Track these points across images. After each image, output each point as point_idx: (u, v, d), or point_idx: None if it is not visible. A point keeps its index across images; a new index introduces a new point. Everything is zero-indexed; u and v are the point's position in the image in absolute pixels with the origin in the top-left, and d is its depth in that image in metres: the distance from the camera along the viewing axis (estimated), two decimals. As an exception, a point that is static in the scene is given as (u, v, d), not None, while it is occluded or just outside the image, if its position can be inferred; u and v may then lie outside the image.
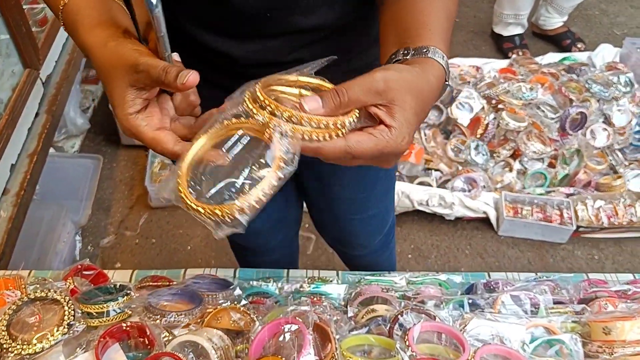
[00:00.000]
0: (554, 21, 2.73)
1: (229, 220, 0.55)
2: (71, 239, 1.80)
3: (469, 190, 1.99)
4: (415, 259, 1.94)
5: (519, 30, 2.72)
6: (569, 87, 2.19)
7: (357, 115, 0.57)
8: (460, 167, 2.07)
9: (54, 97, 1.67)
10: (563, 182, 2.04)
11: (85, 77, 2.49)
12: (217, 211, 0.55)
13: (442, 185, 2.04)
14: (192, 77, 0.55)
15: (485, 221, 2.03)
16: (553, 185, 2.04)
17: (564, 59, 2.54)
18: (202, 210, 0.57)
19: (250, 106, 0.57)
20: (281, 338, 0.86)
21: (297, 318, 0.87)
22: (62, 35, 1.83)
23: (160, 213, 2.07)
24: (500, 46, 2.74)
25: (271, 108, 0.56)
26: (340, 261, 1.91)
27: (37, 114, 1.62)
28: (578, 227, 1.93)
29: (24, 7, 1.61)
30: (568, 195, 1.99)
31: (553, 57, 2.56)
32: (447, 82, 0.62)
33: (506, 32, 2.72)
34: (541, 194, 2.00)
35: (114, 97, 0.59)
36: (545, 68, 2.35)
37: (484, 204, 1.98)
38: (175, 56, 0.63)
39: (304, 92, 0.62)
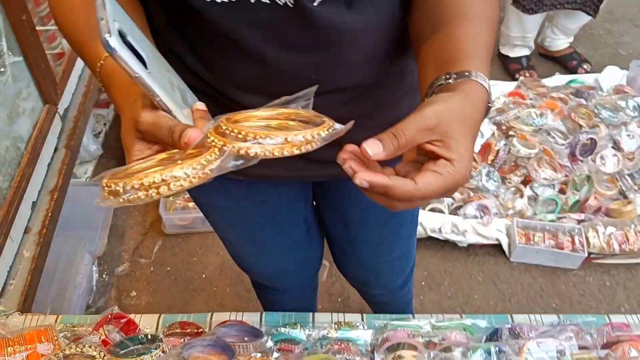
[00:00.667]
0: (560, 42, 2.75)
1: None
2: (89, 270, 1.81)
3: (481, 217, 2.01)
4: (429, 285, 1.95)
5: (525, 52, 2.74)
6: (578, 112, 2.21)
7: (326, 130, 0.56)
8: (471, 194, 2.08)
9: (72, 132, 1.68)
10: (574, 207, 2.06)
11: (96, 101, 2.50)
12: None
13: (454, 211, 2.06)
14: (193, 134, 0.53)
15: (497, 247, 2.04)
16: (564, 211, 2.06)
17: (571, 81, 2.56)
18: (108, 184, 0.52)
19: (212, 137, 0.54)
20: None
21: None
22: (77, 67, 1.84)
23: (174, 240, 2.08)
24: (507, 67, 2.77)
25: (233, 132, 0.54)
26: (354, 289, 1.93)
27: (56, 149, 1.63)
28: (589, 253, 1.95)
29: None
30: (579, 222, 2.01)
31: (560, 79, 2.57)
32: (490, 104, 0.61)
33: (513, 53, 2.74)
34: (552, 220, 2.01)
35: (125, 150, 0.59)
36: (554, 92, 2.37)
37: (496, 230, 1.99)
38: (200, 105, 0.61)
39: (291, 123, 0.60)
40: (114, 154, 2.40)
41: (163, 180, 0.51)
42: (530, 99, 2.36)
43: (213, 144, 0.53)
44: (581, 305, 1.89)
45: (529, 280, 1.97)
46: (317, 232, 1.27)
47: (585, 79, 2.57)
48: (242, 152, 0.53)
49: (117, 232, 2.10)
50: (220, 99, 0.79)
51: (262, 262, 1.22)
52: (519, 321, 1.16)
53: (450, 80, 0.59)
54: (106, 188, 0.52)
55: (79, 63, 1.86)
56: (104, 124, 2.46)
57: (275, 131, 0.54)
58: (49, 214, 1.47)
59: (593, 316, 1.15)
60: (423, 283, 1.96)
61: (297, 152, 0.54)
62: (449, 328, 1.16)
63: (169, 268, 2.00)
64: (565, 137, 2.18)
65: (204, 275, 1.98)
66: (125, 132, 0.58)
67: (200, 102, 0.62)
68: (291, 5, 0.64)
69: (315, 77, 0.74)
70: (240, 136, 0.53)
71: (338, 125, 0.58)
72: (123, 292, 1.92)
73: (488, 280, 1.97)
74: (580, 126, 2.17)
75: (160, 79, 0.56)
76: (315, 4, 0.64)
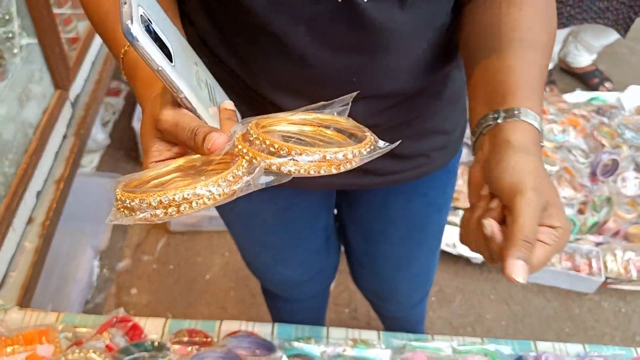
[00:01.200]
0: (583, 59, 2.69)
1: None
2: (90, 265, 1.74)
3: (497, 233, 1.95)
4: (439, 301, 1.89)
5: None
6: (600, 131, 2.16)
7: (368, 147, 0.51)
8: (487, 208, 2.02)
9: (83, 120, 1.62)
10: (592, 229, 2.00)
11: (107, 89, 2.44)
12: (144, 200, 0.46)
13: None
14: (218, 140, 0.47)
15: (510, 265, 1.98)
16: (582, 232, 2.00)
17: (593, 98, 2.50)
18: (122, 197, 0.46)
19: (240, 146, 0.49)
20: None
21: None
22: (91, 53, 1.78)
23: (179, 238, 2.02)
24: None
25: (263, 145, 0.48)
26: (361, 299, 1.86)
27: (64, 137, 1.57)
28: (606, 277, 1.89)
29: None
30: (597, 244, 1.95)
31: (581, 95, 2.51)
32: (542, 144, 0.57)
33: None
34: (570, 241, 1.95)
35: (143, 149, 0.53)
36: (575, 109, 2.31)
37: (511, 248, 1.93)
38: (229, 104, 0.55)
39: (327, 131, 0.55)
40: (122, 145, 2.33)
41: (184, 198, 0.45)
42: (552, 114, 2.30)
43: (241, 154, 0.48)
44: (595, 332, 1.83)
45: (543, 302, 1.91)
46: (336, 241, 1.21)
47: (606, 97, 2.51)
48: (273, 167, 0.48)
49: (120, 226, 2.03)
50: (254, 99, 0.73)
51: (278, 272, 1.16)
52: (542, 349, 1.11)
53: (499, 120, 0.56)
54: (119, 202, 0.47)
55: (93, 49, 1.80)
56: (113, 113, 2.39)
57: (312, 147, 0.49)
58: (54, 205, 1.41)
59: (621, 349, 1.10)
60: (434, 298, 1.90)
61: (334, 171, 0.49)
62: (470, 352, 1.11)
63: (172, 266, 1.93)
64: (587, 155, 2.12)
65: (207, 277, 1.92)
66: (144, 130, 0.52)
67: (229, 101, 0.56)
68: (339, 0, 0.58)
69: (357, 80, 0.69)
70: (272, 149, 0.48)
71: (382, 143, 0.53)
72: (123, 288, 1.85)
73: (501, 300, 1.91)
74: (603, 145, 2.11)
75: (186, 74, 0.50)
76: (366, 0, 0.58)
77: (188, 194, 0.45)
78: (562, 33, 2.52)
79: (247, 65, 0.70)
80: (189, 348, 1.03)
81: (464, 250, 1.92)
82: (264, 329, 1.11)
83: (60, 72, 1.53)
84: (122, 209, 0.46)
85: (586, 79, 2.72)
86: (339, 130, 0.55)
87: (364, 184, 0.90)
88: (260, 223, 1.03)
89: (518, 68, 0.59)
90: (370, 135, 0.53)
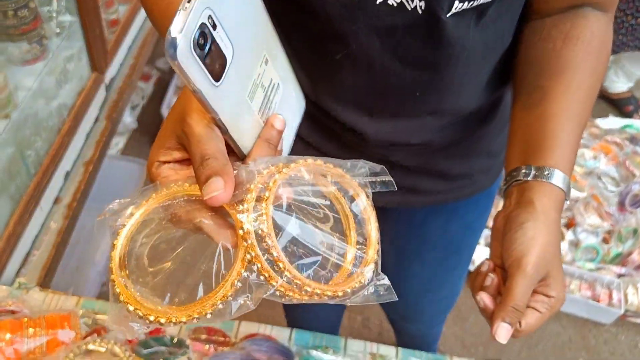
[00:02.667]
0: (620, 85, 2.65)
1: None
2: (109, 248, 1.75)
3: (518, 255, 1.92)
4: (453, 318, 1.87)
5: None
6: (633, 160, 2.12)
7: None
8: (510, 228, 2.00)
9: (115, 103, 1.62)
10: (615, 260, 1.97)
11: (138, 73, 2.44)
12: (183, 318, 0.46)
13: (489, 245, 1.98)
14: (220, 197, 0.42)
15: (528, 288, 1.95)
16: (604, 261, 1.97)
17: (626, 126, 2.45)
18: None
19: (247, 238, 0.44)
20: None
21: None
22: (129, 37, 1.78)
23: (198, 229, 2.01)
24: None
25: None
26: (375, 308, 1.85)
27: (96, 120, 1.57)
28: (626, 310, 1.86)
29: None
30: (619, 275, 1.92)
31: (615, 122, 2.47)
32: (567, 200, 0.59)
33: None
34: (591, 269, 1.92)
35: (159, 135, 0.49)
36: (608, 136, 2.27)
37: (531, 271, 1.90)
38: (278, 123, 0.50)
39: (345, 208, 0.52)
40: (148, 130, 2.33)
41: (168, 319, 0.45)
42: (584, 139, 2.26)
43: (242, 245, 0.44)
44: (609, 364, 1.80)
45: (558, 329, 1.88)
46: None
47: (640, 126, 2.47)
48: (261, 278, 0.45)
49: (141, 211, 2.02)
50: (314, 111, 0.72)
51: None
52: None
53: (529, 178, 0.58)
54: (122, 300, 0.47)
55: (131, 33, 1.80)
56: (142, 98, 2.39)
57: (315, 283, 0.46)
58: (81, 187, 1.41)
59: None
60: (448, 315, 1.88)
61: (313, 301, 0.47)
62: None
63: (188, 258, 1.93)
64: (617, 184, 2.09)
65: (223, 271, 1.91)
66: (168, 120, 0.49)
67: (279, 118, 0.50)
68: (420, 12, 0.57)
69: (420, 95, 0.68)
70: (270, 257, 0.44)
71: (382, 281, 0.50)
72: (139, 274, 1.85)
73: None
74: (634, 175, 2.08)
75: (234, 89, 0.45)
76: (448, 15, 0.57)
77: (176, 320, 0.45)
78: None
79: (308, 73, 0.69)
80: (207, 346, 1.03)
81: (483, 269, 1.90)
82: (282, 334, 1.10)
83: (98, 55, 1.52)
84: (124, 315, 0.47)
85: (621, 106, 2.67)
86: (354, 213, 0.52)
87: (407, 202, 0.88)
88: None
89: (558, 119, 0.60)
90: (370, 265, 0.50)
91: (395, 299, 0.48)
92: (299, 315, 1.35)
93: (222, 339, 1.07)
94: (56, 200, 1.37)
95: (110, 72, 1.65)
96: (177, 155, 0.48)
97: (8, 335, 0.91)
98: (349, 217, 0.52)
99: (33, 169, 1.27)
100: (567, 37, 0.63)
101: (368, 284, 0.49)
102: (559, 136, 0.59)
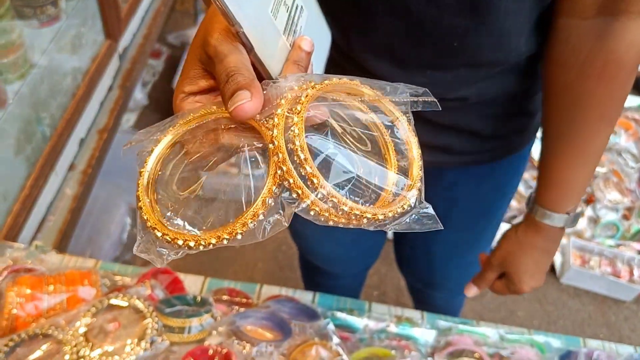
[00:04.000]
0: None
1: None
2: (123, 220, 1.72)
3: (536, 231, 1.89)
4: (471, 294, 1.84)
5: None
6: (653, 137, 2.09)
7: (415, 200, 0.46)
8: (528, 204, 1.97)
9: (129, 72, 1.59)
10: (636, 236, 1.93)
11: (148, 51, 2.42)
12: (212, 240, 0.43)
13: (509, 220, 1.94)
14: (247, 108, 0.39)
15: (546, 265, 1.93)
16: (625, 238, 1.94)
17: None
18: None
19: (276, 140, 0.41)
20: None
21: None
22: (143, 7, 1.75)
23: (211, 204, 1.99)
24: None
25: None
26: (391, 283, 1.83)
27: (110, 88, 1.54)
28: (646, 287, 1.83)
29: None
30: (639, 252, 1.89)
31: (633, 100, 2.44)
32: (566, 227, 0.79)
33: None
34: (611, 246, 1.89)
35: (183, 68, 0.47)
36: (628, 112, 2.24)
37: (550, 247, 1.87)
38: (306, 44, 0.47)
39: (386, 137, 0.48)
40: (159, 107, 2.31)
41: (197, 242, 0.43)
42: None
43: (270, 152, 0.41)
44: (630, 341, 1.77)
45: (577, 306, 1.85)
46: None
47: (658, 104, 2.43)
48: (294, 194, 0.42)
49: (153, 187, 2.00)
50: (344, 63, 0.69)
51: (328, 246, 1.12)
52: (592, 347, 1.06)
53: (532, 211, 0.79)
54: (153, 230, 0.44)
55: (144, 3, 1.77)
56: (153, 75, 2.37)
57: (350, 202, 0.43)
58: (96, 154, 1.39)
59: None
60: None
61: (352, 226, 0.44)
62: (518, 342, 1.06)
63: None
64: (637, 160, 2.05)
65: (235, 247, 1.89)
66: (190, 49, 0.46)
67: (308, 40, 0.47)
68: None
69: (458, 45, 0.64)
70: (302, 171, 0.41)
71: (426, 209, 0.48)
72: (152, 249, 1.83)
73: (534, 299, 1.85)
74: (654, 152, 2.04)
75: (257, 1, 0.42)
76: None
77: (205, 242, 0.43)
78: None
79: (340, 21, 0.66)
80: (229, 307, 1.00)
81: (502, 245, 1.87)
82: (305, 297, 1.08)
83: (112, 22, 1.50)
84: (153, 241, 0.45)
85: (638, 83, 2.63)
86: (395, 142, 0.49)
87: (438, 162, 0.86)
88: None
89: (575, 167, 0.72)
90: (413, 190, 0.47)
91: (441, 227, 0.46)
92: (320, 287, 1.32)
93: (244, 300, 1.05)
94: (71, 167, 1.35)
95: (124, 41, 1.63)
96: (203, 83, 0.45)
97: (28, 291, 0.88)
98: (388, 144, 0.48)
99: (48, 132, 1.25)
100: (602, 75, 0.63)
101: (411, 209, 0.46)
102: (566, 185, 0.73)
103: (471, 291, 0.95)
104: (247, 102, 0.39)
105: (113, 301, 0.86)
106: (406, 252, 1.19)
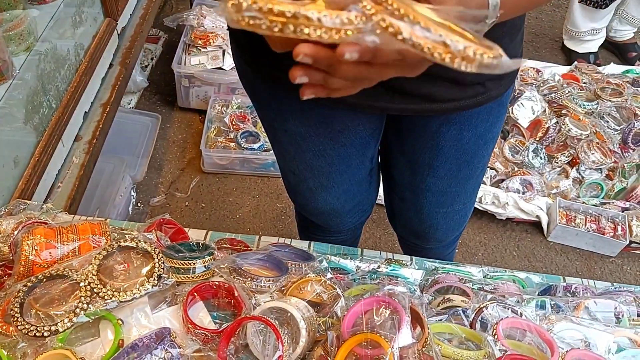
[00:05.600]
0: (625, 32, 2.68)
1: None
2: (128, 193, 1.80)
3: (524, 192, 1.97)
4: (462, 254, 1.93)
5: (594, 47, 2.66)
6: (635, 100, 2.15)
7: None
8: (515, 168, 2.04)
9: (128, 50, 1.66)
10: (619, 195, 2.01)
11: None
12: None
13: (495, 184, 2.02)
14: None
15: (534, 225, 2.01)
16: (608, 197, 2.01)
17: (627, 71, 2.49)
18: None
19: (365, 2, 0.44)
20: (376, 317, 0.86)
21: (393, 298, 0.87)
22: (139, -12, 1.82)
23: (211, 178, 2.07)
24: (572, 61, 2.67)
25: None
26: (386, 246, 1.90)
27: (111, 65, 1.61)
28: (631, 242, 1.90)
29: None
30: (623, 210, 1.96)
31: (616, 68, 2.51)
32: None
33: (581, 49, 2.67)
34: (595, 205, 1.97)
35: None
36: (610, 78, 2.31)
37: (537, 207, 1.95)
38: None
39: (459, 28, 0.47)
40: (159, 89, 2.38)
41: (294, 16, 0.43)
42: (585, 83, 2.30)
43: (365, 9, 0.45)
44: (616, 293, 1.85)
45: (565, 262, 1.93)
46: (377, 176, 1.23)
47: (640, 71, 2.50)
48: (390, 29, 0.44)
49: (155, 164, 2.09)
50: None
51: (322, 198, 1.18)
52: (571, 283, 1.14)
53: None
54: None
55: (141, -15, 1.84)
56: (151, 59, 2.44)
57: (438, 27, 0.45)
58: (100, 125, 1.46)
59: (652, 287, 1.12)
60: (456, 251, 1.93)
61: (448, 61, 0.45)
62: (500, 278, 1.14)
63: (203, 205, 1.99)
64: (619, 123, 2.12)
65: (237, 216, 1.97)
66: None
67: None
68: None
69: None
70: (397, 13, 0.45)
71: (506, 59, 0.46)
72: (156, 221, 1.91)
73: (523, 257, 1.94)
74: (636, 115, 2.11)
75: None
76: None
77: (298, 13, 0.43)
78: (609, 10, 2.50)
79: None
80: (231, 254, 1.07)
81: (489, 206, 1.95)
82: (301, 244, 1.15)
83: (111, 1, 1.57)
84: (230, 6, 0.44)
85: (624, 52, 2.70)
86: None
87: (420, 109, 0.90)
88: (311, 145, 1.04)
89: None
90: (498, 48, 0.47)
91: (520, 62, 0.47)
92: (314, 240, 1.39)
93: (244, 248, 1.12)
94: (76, 138, 1.42)
95: (122, 20, 1.69)
96: None
97: (43, 240, 0.96)
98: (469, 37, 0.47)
99: (54, 103, 1.32)
100: None
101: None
102: None
103: None
104: None
105: (123, 244, 0.93)
106: (396, 205, 1.25)
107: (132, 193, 1.88)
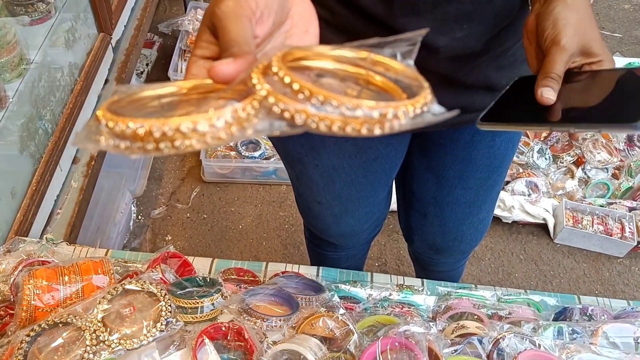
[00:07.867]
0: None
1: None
2: (128, 209, 1.77)
3: (529, 195, 1.94)
4: (469, 260, 1.90)
5: None
6: (640, 96, 2.12)
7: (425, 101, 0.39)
8: (521, 169, 2.01)
9: (124, 64, 1.62)
10: (626, 194, 1.99)
11: (138, 39, 2.43)
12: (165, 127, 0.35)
13: (503, 186, 1.99)
14: (224, 69, 0.40)
15: (540, 227, 1.98)
16: (615, 196, 1.99)
17: (629, 64, 2.45)
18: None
19: (256, 80, 0.38)
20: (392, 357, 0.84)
21: (410, 340, 0.85)
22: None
23: (212, 188, 2.04)
24: None
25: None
26: (391, 254, 1.88)
27: (106, 81, 1.57)
28: (638, 242, 1.88)
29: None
30: (630, 209, 1.94)
31: (618, 61, 2.47)
32: None
33: None
34: (602, 205, 1.95)
35: (197, 31, 0.49)
36: (614, 73, 2.27)
37: (543, 210, 1.93)
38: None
39: (376, 78, 0.44)
40: (154, 95, 2.33)
41: (164, 134, 0.35)
42: (589, 79, 2.26)
43: (253, 91, 0.38)
44: (624, 295, 1.83)
45: (572, 264, 1.91)
46: (390, 194, 1.19)
47: (644, 63, 2.47)
48: (286, 115, 0.37)
49: (154, 175, 2.05)
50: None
51: (344, 222, 1.13)
52: (586, 303, 1.11)
53: None
54: (99, 123, 0.37)
55: (133, -5, 1.79)
56: (147, 64, 2.39)
57: (342, 96, 0.37)
58: (98, 146, 1.42)
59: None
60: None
61: (365, 132, 0.37)
62: (515, 302, 1.12)
63: (205, 215, 1.96)
64: (625, 120, 2.09)
65: (240, 226, 1.93)
66: (205, 15, 0.47)
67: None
68: None
69: None
70: (289, 90, 0.37)
71: (437, 107, 0.40)
72: (158, 235, 1.88)
73: (530, 260, 1.91)
74: (641, 111, 2.08)
75: None
76: None
77: (168, 129, 0.36)
78: None
79: None
80: (237, 286, 1.05)
81: (497, 210, 1.92)
82: (309, 271, 1.12)
83: (104, 15, 1.52)
84: (96, 132, 0.37)
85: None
86: (394, 81, 0.43)
87: (456, 122, 0.85)
88: (343, 176, 1.00)
89: None
90: (426, 90, 0.40)
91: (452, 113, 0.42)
92: (326, 259, 1.35)
93: (252, 278, 1.10)
94: (74, 160, 1.38)
95: (116, 34, 1.65)
96: (214, 48, 0.46)
97: (44, 282, 0.93)
98: (389, 87, 0.44)
99: (50, 128, 1.28)
100: None
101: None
102: None
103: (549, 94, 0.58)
104: (224, 68, 0.40)
105: (127, 287, 0.90)
106: (415, 221, 1.18)
107: (133, 207, 1.85)
